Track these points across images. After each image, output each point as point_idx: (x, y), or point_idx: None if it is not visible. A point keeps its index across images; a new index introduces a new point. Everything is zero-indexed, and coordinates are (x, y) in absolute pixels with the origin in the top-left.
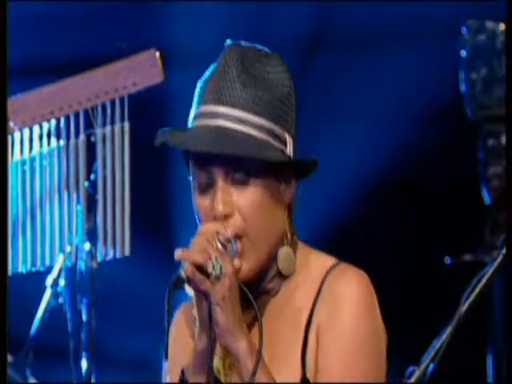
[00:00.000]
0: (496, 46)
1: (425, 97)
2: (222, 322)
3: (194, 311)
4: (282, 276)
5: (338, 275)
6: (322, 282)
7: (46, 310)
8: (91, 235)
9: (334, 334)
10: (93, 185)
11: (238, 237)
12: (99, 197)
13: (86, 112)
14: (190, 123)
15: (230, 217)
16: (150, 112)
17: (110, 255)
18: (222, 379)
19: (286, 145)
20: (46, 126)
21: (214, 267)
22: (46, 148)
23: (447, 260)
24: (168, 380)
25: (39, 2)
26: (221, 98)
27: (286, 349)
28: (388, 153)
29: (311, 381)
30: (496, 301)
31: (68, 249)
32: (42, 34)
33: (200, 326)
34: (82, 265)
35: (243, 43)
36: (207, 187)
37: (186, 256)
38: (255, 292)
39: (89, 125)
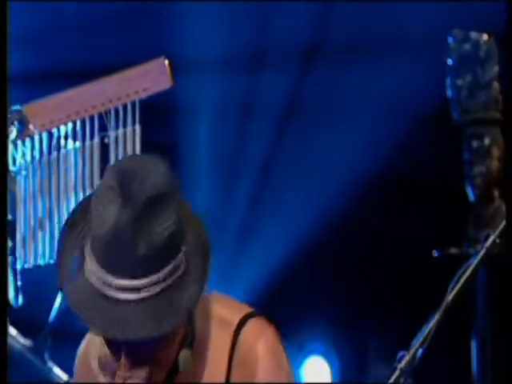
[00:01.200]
0: (480, 55)
1: (415, 101)
2: None
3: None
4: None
5: (250, 334)
6: (234, 340)
7: (62, 299)
8: None
9: None
10: None
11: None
12: None
13: (100, 116)
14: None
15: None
16: (160, 115)
17: None
18: None
19: (179, 268)
20: (63, 128)
21: None
22: (63, 150)
23: (435, 253)
24: None
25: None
26: (113, 266)
27: None
28: (380, 153)
29: None
30: (479, 290)
31: None
32: (60, 44)
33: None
34: None
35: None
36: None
37: None
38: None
39: (103, 128)
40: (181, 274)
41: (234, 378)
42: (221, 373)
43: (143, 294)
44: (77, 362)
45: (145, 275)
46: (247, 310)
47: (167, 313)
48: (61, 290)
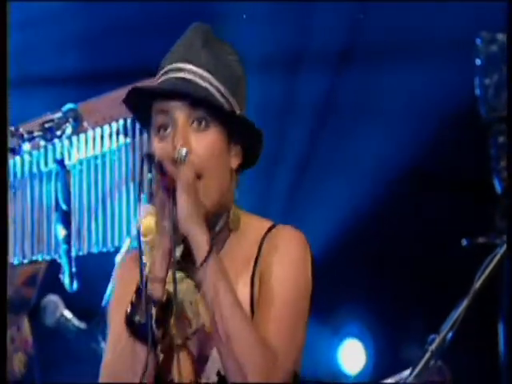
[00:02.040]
0: (506, 56)
1: (445, 99)
2: (186, 207)
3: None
4: (228, 232)
5: (275, 234)
6: (264, 237)
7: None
8: None
9: (271, 281)
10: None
11: (197, 176)
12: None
13: None
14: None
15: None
16: None
17: None
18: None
19: (235, 109)
20: (114, 125)
21: (179, 152)
22: (114, 144)
23: (464, 242)
24: (117, 318)
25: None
26: (186, 58)
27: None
28: (413, 149)
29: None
30: (506, 277)
31: (133, 232)
32: (111, 47)
33: (161, 230)
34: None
35: (207, 26)
36: (166, 134)
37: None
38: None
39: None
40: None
41: (259, 272)
42: (249, 268)
43: (201, 81)
44: (120, 271)
45: (207, 70)
46: (273, 222)
47: (214, 98)
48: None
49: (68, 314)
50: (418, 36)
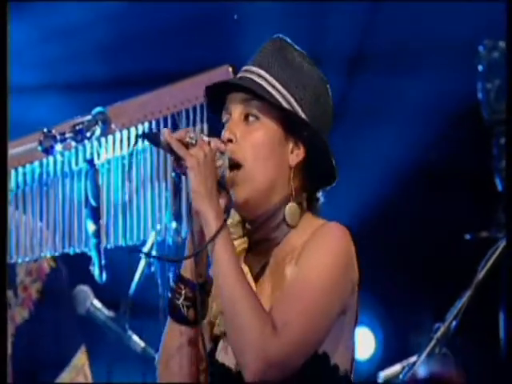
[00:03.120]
0: (506, 61)
1: (449, 103)
2: (196, 186)
3: None
4: (285, 228)
5: (324, 226)
6: (313, 233)
7: (141, 276)
8: (177, 216)
9: (301, 264)
10: (178, 175)
11: (235, 165)
12: (183, 185)
13: (172, 116)
14: None
15: (230, 141)
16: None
17: None
18: None
19: (297, 111)
20: (140, 127)
21: (190, 138)
22: (141, 145)
23: (467, 236)
24: None
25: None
26: (253, 61)
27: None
28: (420, 149)
29: None
30: (506, 269)
31: (158, 227)
32: (138, 54)
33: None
34: (169, 240)
35: (284, 39)
36: (224, 128)
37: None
38: (261, 238)
39: (175, 126)
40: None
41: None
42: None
43: (263, 82)
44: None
45: (275, 77)
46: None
47: (271, 95)
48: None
49: (97, 303)
50: (426, 43)
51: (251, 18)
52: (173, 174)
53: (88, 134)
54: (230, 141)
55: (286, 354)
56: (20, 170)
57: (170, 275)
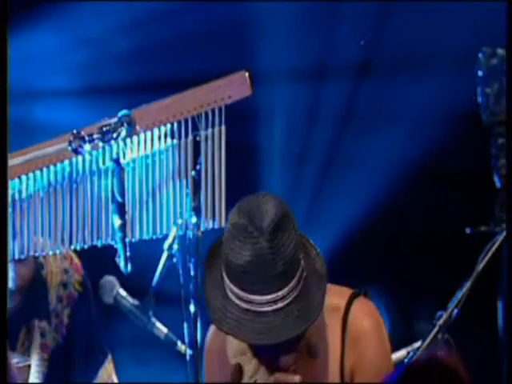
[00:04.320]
0: (505, 68)
1: (451, 106)
2: None
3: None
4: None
5: (358, 313)
6: (344, 320)
7: (164, 267)
8: (197, 211)
9: (365, 368)
10: (198, 173)
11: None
12: (202, 182)
13: (193, 118)
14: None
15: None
16: (241, 118)
17: (211, 226)
18: None
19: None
20: (163, 129)
21: None
22: (163, 146)
23: (468, 230)
24: None
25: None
26: (254, 290)
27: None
28: (424, 150)
29: None
30: (504, 261)
31: (180, 221)
32: (161, 60)
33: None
34: (190, 233)
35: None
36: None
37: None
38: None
39: (195, 128)
40: (304, 278)
41: (347, 357)
42: (336, 353)
43: (280, 305)
44: (207, 347)
45: (282, 287)
46: (349, 292)
47: (303, 313)
48: (211, 320)
49: (123, 292)
50: (428, 51)
51: (263, 25)
52: (193, 173)
53: (114, 135)
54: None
55: None
56: (51, 168)
57: (191, 266)
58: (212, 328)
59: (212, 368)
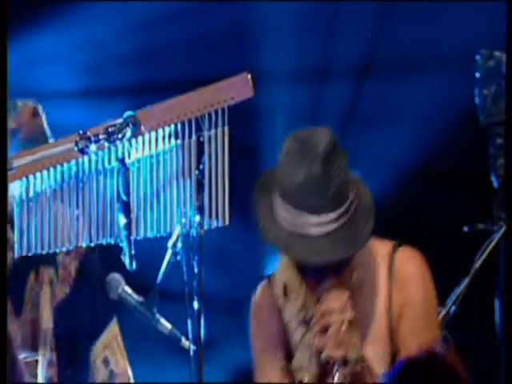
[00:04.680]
0: (502, 70)
1: (451, 107)
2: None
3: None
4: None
5: (403, 257)
6: (391, 262)
7: (168, 265)
8: (200, 210)
9: (412, 310)
10: (201, 173)
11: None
12: (206, 182)
13: (196, 119)
14: (277, 207)
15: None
16: (243, 119)
17: (214, 225)
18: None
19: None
20: (167, 129)
21: (348, 358)
22: (167, 146)
23: (466, 228)
24: (259, 363)
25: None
26: (307, 206)
27: (369, 327)
28: (424, 149)
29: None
30: (501, 258)
31: (183, 220)
32: (164, 62)
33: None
34: (193, 232)
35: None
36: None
37: (330, 353)
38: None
39: (198, 128)
40: (354, 209)
41: (394, 301)
42: (383, 296)
43: (331, 227)
44: (254, 305)
45: (333, 210)
46: (393, 242)
47: (350, 240)
48: (262, 237)
49: (128, 289)
50: (428, 53)
51: (265, 27)
52: (196, 172)
53: (120, 136)
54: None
55: None
56: (58, 168)
57: (194, 263)
58: (261, 285)
59: (260, 323)
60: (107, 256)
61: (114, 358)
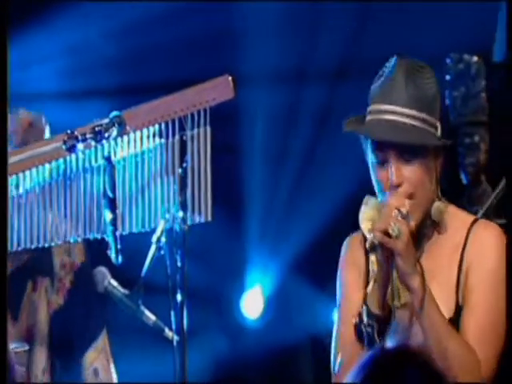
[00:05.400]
0: (471, 72)
1: None
2: (403, 267)
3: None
4: (434, 224)
5: (481, 227)
6: (468, 232)
7: (152, 259)
8: (183, 206)
9: (480, 275)
10: (184, 171)
11: (409, 197)
12: (188, 179)
13: (179, 119)
14: (366, 115)
15: (400, 185)
16: (224, 119)
17: (197, 220)
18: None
19: (437, 129)
20: (151, 129)
21: (394, 230)
22: (152, 145)
23: None
24: (344, 307)
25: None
26: (389, 99)
27: (440, 286)
28: None
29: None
30: None
31: (167, 216)
32: (148, 64)
33: (381, 275)
34: (177, 227)
35: (405, 57)
36: (384, 164)
37: (377, 228)
38: (416, 237)
39: (182, 128)
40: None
41: (466, 261)
42: (458, 249)
43: (407, 120)
44: (345, 258)
45: (410, 107)
46: (474, 216)
47: (427, 136)
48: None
49: (114, 282)
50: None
51: (245, 33)
52: (179, 170)
53: (106, 135)
54: (400, 184)
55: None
56: (47, 166)
57: (178, 257)
58: (347, 242)
59: (349, 277)
60: (94, 251)
61: (103, 369)
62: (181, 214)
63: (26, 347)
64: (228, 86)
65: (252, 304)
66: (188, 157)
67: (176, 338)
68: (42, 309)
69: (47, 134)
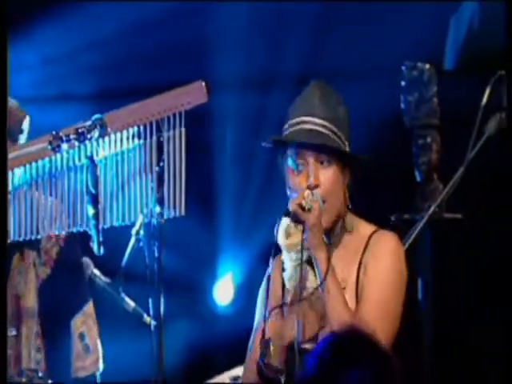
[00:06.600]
0: (424, 79)
1: (379, 111)
2: (313, 240)
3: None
4: (344, 231)
5: (379, 236)
6: (368, 240)
7: (131, 250)
8: (160, 202)
9: (372, 274)
10: (161, 169)
11: (323, 200)
12: (165, 177)
13: (157, 121)
14: (285, 129)
15: (317, 187)
16: (198, 121)
17: (172, 214)
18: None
19: (346, 147)
20: (131, 130)
21: (307, 203)
22: (131, 145)
23: (393, 218)
24: (258, 312)
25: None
26: (307, 112)
27: (345, 283)
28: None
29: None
30: (425, 243)
31: (145, 211)
32: (128, 71)
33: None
34: (154, 221)
35: (320, 81)
36: (301, 170)
37: (293, 201)
38: (328, 241)
39: (158, 130)
40: (339, 144)
41: (363, 264)
42: (357, 259)
43: (320, 128)
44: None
45: (324, 119)
46: (376, 226)
47: (340, 145)
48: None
49: (96, 271)
50: (360, 63)
51: (217, 41)
52: (157, 169)
53: (89, 136)
54: (316, 186)
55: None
56: (33, 165)
57: (155, 249)
58: (273, 263)
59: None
60: (80, 242)
61: (89, 333)
62: (158, 209)
63: (13, 332)
64: (202, 91)
65: (223, 291)
66: (164, 156)
67: (153, 322)
68: (29, 282)
69: (25, 124)
